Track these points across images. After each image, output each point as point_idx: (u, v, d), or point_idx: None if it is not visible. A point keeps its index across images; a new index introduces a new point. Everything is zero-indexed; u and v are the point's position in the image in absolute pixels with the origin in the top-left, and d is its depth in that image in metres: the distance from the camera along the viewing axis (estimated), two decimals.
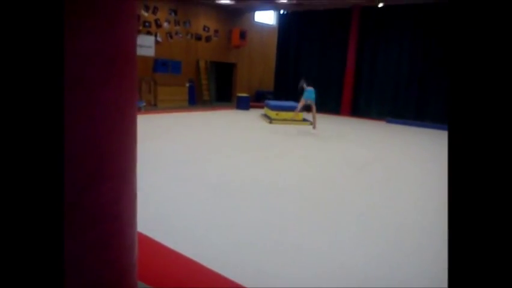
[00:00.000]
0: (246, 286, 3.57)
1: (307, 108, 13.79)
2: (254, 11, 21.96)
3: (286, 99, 17.20)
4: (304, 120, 14.99)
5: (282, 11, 21.37)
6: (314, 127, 13.59)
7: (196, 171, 7.38)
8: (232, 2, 18.78)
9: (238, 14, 21.30)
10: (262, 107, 17.53)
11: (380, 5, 17.61)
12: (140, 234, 4.15)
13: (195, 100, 19.71)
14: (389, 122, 16.89)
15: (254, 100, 20.90)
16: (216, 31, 20.59)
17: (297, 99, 15.21)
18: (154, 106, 17.68)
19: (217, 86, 22.25)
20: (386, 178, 7.68)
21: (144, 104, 16.37)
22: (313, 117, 13.51)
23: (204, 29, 19.97)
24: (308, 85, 13.68)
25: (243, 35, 21.08)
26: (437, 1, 15.64)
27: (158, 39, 17.97)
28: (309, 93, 13.34)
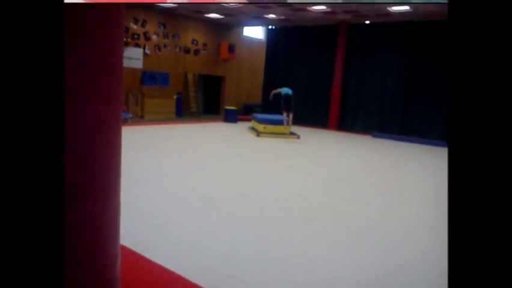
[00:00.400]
0: None
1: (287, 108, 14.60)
2: (243, 26, 22.07)
3: (274, 112, 17.26)
4: (292, 133, 15.04)
5: (270, 26, 21.49)
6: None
7: (183, 184, 7.39)
8: (221, 17, 18.87)
9: (227, 28, 21.40)
10: (249, 120, 17.56)
11: (367, 22, 17.78)
12: (124, 248, 4.15)
13: (183, 112, 19.72)
14: (374, 136, 17.01)
15: (242, 113, 20.94)
16: (205, 44, 20.67)
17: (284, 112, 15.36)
18: (140, 118, 17.66)
19: (205, 99, 22.30)
20: (374, 192, 7.72)
21: (131, 115, 16.35)
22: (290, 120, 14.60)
23: (192, 42, 20.04)
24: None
25: (231, 49, 21.18)
26: (422, 20, 15.89)
27: (147, 51, 18.01)
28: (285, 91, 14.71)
